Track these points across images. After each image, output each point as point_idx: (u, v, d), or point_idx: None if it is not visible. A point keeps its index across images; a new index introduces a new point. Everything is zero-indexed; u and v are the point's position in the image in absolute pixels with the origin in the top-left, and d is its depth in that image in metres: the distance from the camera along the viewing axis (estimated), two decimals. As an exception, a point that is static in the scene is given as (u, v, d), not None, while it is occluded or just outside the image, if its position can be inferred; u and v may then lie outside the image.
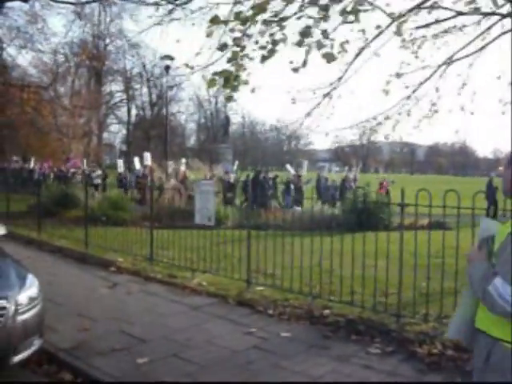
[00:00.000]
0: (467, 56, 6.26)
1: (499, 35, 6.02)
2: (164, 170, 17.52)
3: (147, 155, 21.04)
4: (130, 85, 56.40)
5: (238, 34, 3.30)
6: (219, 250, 8.07)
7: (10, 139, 28.59)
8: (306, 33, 3.32)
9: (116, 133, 61.87)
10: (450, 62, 6.27)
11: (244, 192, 15.64)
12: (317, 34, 3.37)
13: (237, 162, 26.68)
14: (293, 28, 3.41)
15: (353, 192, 14.18)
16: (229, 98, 3.47)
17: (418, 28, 5.43)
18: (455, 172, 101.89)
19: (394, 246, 5.75)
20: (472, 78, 6.61)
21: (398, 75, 6.33)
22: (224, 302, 6.65)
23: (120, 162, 22.45)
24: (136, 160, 22.36)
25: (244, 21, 3.14)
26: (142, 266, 8.59)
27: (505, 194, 2.45)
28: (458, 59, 6.24)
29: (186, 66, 4.47)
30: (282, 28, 3.45)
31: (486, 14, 5.68)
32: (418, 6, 5.30)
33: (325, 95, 5.90)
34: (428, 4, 5.32)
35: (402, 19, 4.81)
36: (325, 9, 3.11)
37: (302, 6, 3.41)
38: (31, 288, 4.48)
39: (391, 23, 5.81)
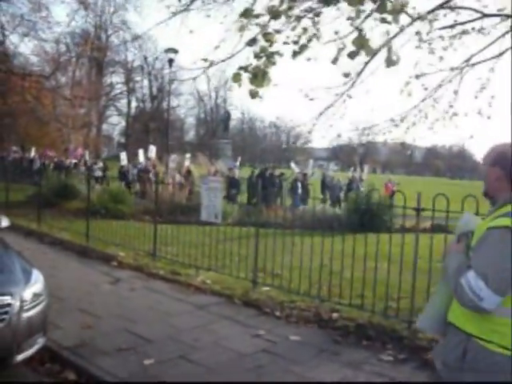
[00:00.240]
0: (488, 60, 6.12)
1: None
2: (166, 164, 17.34)
3: (152, 148, 20.84)
4: (131, 77, 56.17)
5: (269, 30, 3.15)
6: (222, 247, 7.91)
7: (9, 128, 28.35)
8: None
9: (115, 125, 61.65)
10: (469, 64, 6.13)
11: (249, 189, 15.49)
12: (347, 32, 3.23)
13: (239, 158, 26.51)
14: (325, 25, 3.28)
15: (356, 193, 14.05)
16: (254, 95, 3.31)
17: (442, 28, 5.28)
18: (452, 175, 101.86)
19: (398, 249, 5.61)
20: (492, 82, 6.47)
21: (417, 76, 6.19)
22: (230, 302, 6.50)
23: (123, 155, 22.19)
24: (140, 153, 22.13)
25: (277, 15, 2.98)
26: (144, 261, 8.43)
27: (486, 195, 2.44)
28: (478, 62, 6.10)
29: (205, 60, 4.32)
30: (315, 24, 3.30)
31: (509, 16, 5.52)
32: (441, 6, 5.15)
33: (341, 94, 5.75)
34: (451, 3, 5.17)
35: (429, 17, 4.66)
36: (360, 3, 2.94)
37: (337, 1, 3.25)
38: (36, 284, 4.32)
39: (412, 22, 5.66)
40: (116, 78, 55.57)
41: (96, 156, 29.37)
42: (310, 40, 3.44)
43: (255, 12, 3.13)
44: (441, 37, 6.54)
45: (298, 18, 3.10)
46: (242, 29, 3.40)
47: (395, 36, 5.86)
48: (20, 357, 3.98)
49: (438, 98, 6.28)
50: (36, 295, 4.20)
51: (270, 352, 4.92)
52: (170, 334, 5.27)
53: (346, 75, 3.90)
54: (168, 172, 16.60)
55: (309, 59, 5.44)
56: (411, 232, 5.87)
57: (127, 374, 4.31)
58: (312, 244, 6.50)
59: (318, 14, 3.33)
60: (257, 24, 3.18)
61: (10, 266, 4.34)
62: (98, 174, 17.53)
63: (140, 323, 5.54)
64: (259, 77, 3.16)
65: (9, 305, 3.87)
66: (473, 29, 6.18)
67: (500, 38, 5.99)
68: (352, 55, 3.41)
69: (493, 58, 6.01)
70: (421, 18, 4.63)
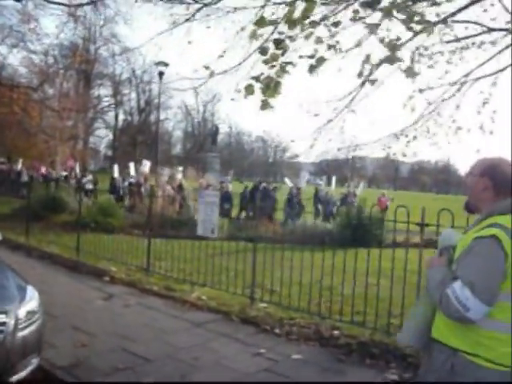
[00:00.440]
0: (489, 75, 6.10)
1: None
2: (157, 177, 17.15)
3: (146, 163, 20.69)
4: (119, 90, 55.98)
5: (281, 36, 3.04)
6: (216, 262, 7.74)
7: (-4, 140, 27.99)
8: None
9: (102, 138, 61.21)
10: (470, 79, 6.11)
11: (242, 203, 15.37)
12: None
13: (232, 172, 26.47)
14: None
15: (348, 208, 13.97)
16: (265, 106, 3.19)
17: (448, 42, 5.25)
18: (438, 190, 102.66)
19: (400, 264, 5.51)
20: (494, 97, 6.44)
21: (421, 90, 6.14)
22: (227, 319, 6.33)
23: (115, 167, 21.96)
24: (131, 166, 21.91)
25: (292, 23, 2.88)
26: (136, 276, 8.22)
27: (467, 207, 2.48)
28: (480, 77, 6.08)
29: (206, 68, 4.21)
30: (333, 35, 3.21)
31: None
32: (445, 20, 5.11)
33: (343, 108, 5.68)
34: (457, 17, 5.14)
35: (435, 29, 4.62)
36: (388, 13, 2.85)
37: (357, 10, 3.15)
38: (31, 301, 4.12)
39: (413, 36, 5.63)
40: (104, 91, 55.39)
41: (83, 169, 28.97)
42: (329, 48, 3.35)
43: (270, 18, 3.04)
44: (440, 52, 6.53)
45: (314, 24, 3.00)
46: (253, 36, 3.29)
47: (402, 45, 5.83)
48: (14, 378, 3.77)
49: (441, 112, 6.24)
50: (31, 313, 4.00)
51: (272, 371, 4.76)
52: (168, 352, 5.08)
53: (360, 74, 3.80)
54: (160, 185, 16.40)
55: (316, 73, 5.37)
56: (409, 247, 5.81)
57: (126, 395, 4.13)
58: (311, 259, 6.38)
59: (336, 24, 3.24)
60: (271, 32, 3.09)
61: (4, 282, 4.15)
62: (89, 186, 17.24)
63: (136, 341, 5.35)
64: (271, 87, 3.05)
65: (3, 323, 3.67)
66: (473, 43, 6.17)
67: (500, 52, 5.99)
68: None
69: (494, 73, 5.99)
70: (425, 30, 4.58)
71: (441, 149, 6.64)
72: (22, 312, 3.88)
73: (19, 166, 25.84)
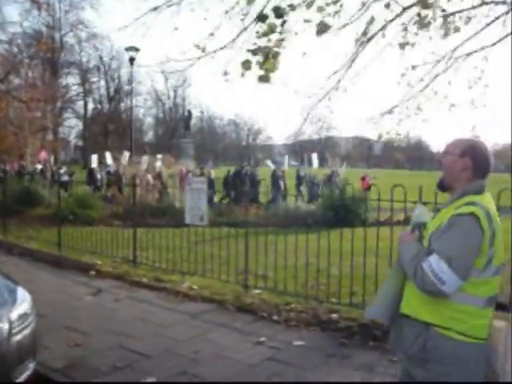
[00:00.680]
0: (480, 50, 5.99)
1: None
2: (136, 166, 16.78)
3: (126, 154, 20.20)
4: (87, 78, 54.72)
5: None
6: (203, 250, 7.57)
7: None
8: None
9: (72, 128, 59.91)
10: (462, 54, 5.99)
11: (226, 188, 15.16)
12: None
13: (212, 158, 26.21)
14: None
15: (331, 189, 13.90)
16: (264, 78, 3.01)
17: (446, 16, 5.10)
18: (411, 166, 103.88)
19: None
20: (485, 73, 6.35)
21: (414, 67, 6.01)
22: (223, 308, 6.18)
23: (94, 157, 21.30)
24: (108, 155, 21.38)
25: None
26: (123, 269, 7.99)
27: (441, 185, 2.53)
28: (472, 52, 5.97)
29: (197, 47, 4.00)
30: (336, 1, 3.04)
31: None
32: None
33: (334, 85, 5.52)
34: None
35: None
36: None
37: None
38: (23, 304, 3.88)
39: (402, 12, 5.49)
40: (72, 79, 53.99)
41: (55, 160, 28.30)
42: (335, 13, 3.18)
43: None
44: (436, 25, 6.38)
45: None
46: (251, 1, 3.10)
47: (392, 20, 5.68)
48: (11, 386, 3.56)
49: (434, 88, 6.14)
50: (24, 316, 3.77)
51: (277, 360, 4.64)
52: (167, 347, 4.91)
53: (364, 34, 3.65)
54: (140, 174, 16.04)
55: (304, 53, 5.24)
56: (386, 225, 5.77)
57: (129, 395, 3.96)
58: (299, 242, 6.25)
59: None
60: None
61: (-7, 285, 3.91)
62: (65, 178, 16.77)
63: (132, 337, 5.16)
64: (269, 59, 2.87)
65: (-3, 329, 3.45)
66: (460, 18, 6.04)
67: (489, 24, 5.88)
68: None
69: (486, 47, 5.89)
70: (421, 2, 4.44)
71: (431, 126, 6.55)
72: (14, 316, 3.66)
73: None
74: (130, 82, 22.81)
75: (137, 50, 19.76)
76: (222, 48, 4.27)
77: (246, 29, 4.00)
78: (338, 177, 16.89)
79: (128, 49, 19.79)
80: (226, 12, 4.65)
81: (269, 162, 21.82)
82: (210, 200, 13.96)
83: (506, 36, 5.52)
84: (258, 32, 3.18)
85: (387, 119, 6.46)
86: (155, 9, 5.10)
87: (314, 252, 6.16)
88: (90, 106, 59.11)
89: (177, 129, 60.78)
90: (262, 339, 5.12)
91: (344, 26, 4.63)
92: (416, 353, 2.34)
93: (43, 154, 24.06)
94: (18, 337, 3.59)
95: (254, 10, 3.95)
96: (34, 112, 30.07)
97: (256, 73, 3.48)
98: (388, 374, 4.34)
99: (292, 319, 5.71)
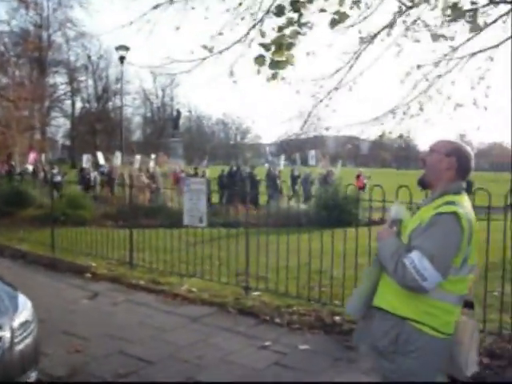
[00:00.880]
0: (484, 50, 5.92)
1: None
2: (130, 166, 16.55)
3: (118, 154, 19.93)
4: (75, 77, 54.16)
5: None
6: (200, 251, 7.44)
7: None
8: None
9: (60, 127, 59.21)
10: (466, 54, 5.93)
11: (221, 188, 15.00)
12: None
13: (207, 157, 26.12)
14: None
15: (325, 188, 13.83)
16: (274, 76, 2.92)
17: (450, 19, 5.04)
18: (398, 165, 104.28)
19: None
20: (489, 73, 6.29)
21: (419, 66, 5.94)
22: (223, 311, 6.07)
23: (86, 157, 20.96)
24: (100, 155, 21.07)
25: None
26: (120, 271, 7.86)
27: (422, 182, 2.58)
28: (477, 52, 5.91)
29: (204, 47, 3.89)
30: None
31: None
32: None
33: (339, 82, 5.44)
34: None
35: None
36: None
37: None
38: (24, 311, 3.74)
39: (405, 11, 5.42)
40: (59, 79, 53.30)
41: (46, 160, 27.92)
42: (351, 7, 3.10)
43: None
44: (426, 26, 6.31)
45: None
46: None
47: (388, 26, 5.61)
48: (14, 397, 3.43)
49: (438, 88, 6.08)
50: (26, 324, 3.63)
51: (283, 365, 4.55)
52: (170, 352, 4.80)
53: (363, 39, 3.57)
54: (134, 174, 15.83)
55: (308, 53, 5.15)
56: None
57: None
58: (298, 241, 6.20)
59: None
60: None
61: (-6, 292, 3.77)
62: (58, 179, 16.52)
63: (133, 342, 5.03)
64: (283, 50, 2.77)
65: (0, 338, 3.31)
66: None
67: (488, 26, 5.82)
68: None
69: (490, 48, 5.82)
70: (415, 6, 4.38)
71: (434, 126, 6.49)
72: (16, 324, 3.52)
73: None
74: (121, 81, 22.55)
75: (127, 48, 19.56)
76: (227, 48, 4.16)
77: (254, 26, 3.91)
78: (333, 176, 16.82)
79: (118, 48, 19.56)
80: (227, 10, 4.56)
81: (266, 164, 21.72)
82: (208, 201, 13.87)
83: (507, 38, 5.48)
84: (273, 28, 3.08)
85: (389, 119, 6.39)
86: (156, 7, 4.99)
87: (315, 253, 6.08)
88: (78, 105, 58.53)
89: (165, 128, 60.40)
90: (267, 343, 5.02)
91: (352, 25, 4.59)
92: (386, 345, 2.40)
93: (34, 155, 23.71)
94: (21, 346, 3.46)
95: (264, 6, 3.90)
96: (22, 111, 29.75)
97: (264, 71, 3.38)
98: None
99: (295, 322, 5.63)
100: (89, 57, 54.44)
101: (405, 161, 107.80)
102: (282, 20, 2.88)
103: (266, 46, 2.91)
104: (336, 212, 12.71)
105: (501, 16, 5.53)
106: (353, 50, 5.47)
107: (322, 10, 3.05)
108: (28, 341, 3.55)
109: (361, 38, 5.22)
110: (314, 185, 17.21)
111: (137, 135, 71.34)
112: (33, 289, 6.82)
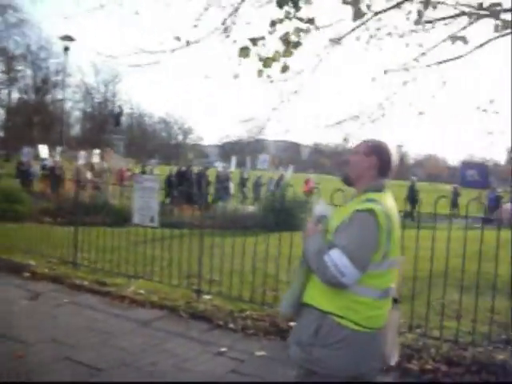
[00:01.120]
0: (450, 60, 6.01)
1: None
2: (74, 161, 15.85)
3: (59, 148, 19.09)
4: (12, 65, 51.74)
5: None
6: (145, 251, 7.21)
7: None
8: None
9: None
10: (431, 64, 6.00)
11: (169, 188, 14.59)
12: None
13: (156, 156, 25.56)
14: None
15: (272, 192, 13.80)
16: (259, 73, 2.79)
17: (427, 22, 5.06)
18: (337, 171, 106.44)
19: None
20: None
21: (385, 72, 5.96)
22: (175, 315, 5.82)
23: (26, 150, 19.87)
24: (42, 148, 20.06)
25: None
26: (62, 270, 7.42)
27: (346, 180, 2.66)
28: (445, 61, 5.98)
29: (177, 39, 3.71)
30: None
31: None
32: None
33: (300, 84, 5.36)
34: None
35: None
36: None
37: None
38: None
39: (374, 15, 5.42)
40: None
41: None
42: None
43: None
44: (389, 34, 6.37)
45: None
46: None
47: (355, 29, 5.59)
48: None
49: (401, 95, 6.14)
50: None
51: (241, 373, 4.39)
52: (122, 359, 4.52)
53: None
54: (79, 170, 15.17)
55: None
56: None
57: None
58: (245, 245, 6.09)
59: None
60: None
61: None
62: (-5, 171, 15.59)
63: (81, 348, 4.71)
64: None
65: None
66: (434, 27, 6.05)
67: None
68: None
69: (456, 58, 5.92)
70: (398, 6, 4.36)
71: (395, 131, 6.56)
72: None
73: None
74: (63, 72, 21.65)
75: (72, 39, 18.85)
76: (198, 41, 3.97)
77: (230, 16, 3.74)
78: (283, 180, 16.87)
79: (63, 38, 18.79)
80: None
81: (217, 164, 21.53)
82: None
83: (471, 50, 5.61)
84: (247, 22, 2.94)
85: (351, 123, 6.41)
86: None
87: (262, 256, 6.01)
88: (15, 95, 55.99)
89: (106, 124, 58.77)
90: (223, 349, 4.84)
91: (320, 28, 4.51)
92: (306, 338, 2.45)
93: None
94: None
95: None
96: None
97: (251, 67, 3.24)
98: None
99: (249, 327, 5.47)
100: (28, 46, 52.25)
101: (344, 166, 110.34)
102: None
103: (253, 41, 2.77)
104: (283, 215, 12.71)
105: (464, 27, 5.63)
106: (316, 53, 5.41)
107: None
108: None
109: (330, 41, 5.16)
110: (263, 187, 17.19)
111: (75, 130, 69.18)
112: (-34, 288, 6.37)
